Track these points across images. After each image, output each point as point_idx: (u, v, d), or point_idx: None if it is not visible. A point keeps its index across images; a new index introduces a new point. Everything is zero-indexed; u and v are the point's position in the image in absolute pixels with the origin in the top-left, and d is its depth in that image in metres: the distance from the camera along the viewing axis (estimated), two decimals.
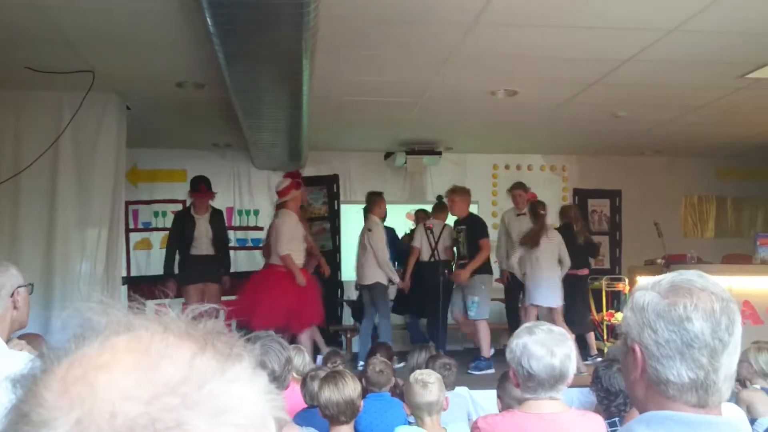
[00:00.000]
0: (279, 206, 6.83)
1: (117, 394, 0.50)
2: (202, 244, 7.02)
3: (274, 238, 6.57)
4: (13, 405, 0.53)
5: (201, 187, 7.12)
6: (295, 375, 3.88)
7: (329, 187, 9.27)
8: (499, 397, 3.32)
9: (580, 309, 7.30)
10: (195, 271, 6.93)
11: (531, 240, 6.79)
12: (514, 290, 7.36)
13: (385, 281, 7.25)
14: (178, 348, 0.54)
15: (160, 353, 0.53)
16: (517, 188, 7.45)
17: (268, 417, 0.56)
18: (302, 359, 4.22)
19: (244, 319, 6.37)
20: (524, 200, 7.35)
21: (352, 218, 8.64)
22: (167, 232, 8.82)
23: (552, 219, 7.53)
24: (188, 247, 6.99)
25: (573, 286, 7.11)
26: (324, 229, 9.21)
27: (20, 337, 3.60)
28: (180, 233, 7.06)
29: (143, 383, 0.51)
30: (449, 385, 4.32)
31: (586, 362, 6.73)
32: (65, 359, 0.54)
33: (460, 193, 7.12)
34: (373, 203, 7.41)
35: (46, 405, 0.50)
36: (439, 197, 7.98)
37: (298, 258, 6.58)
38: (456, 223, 7.29)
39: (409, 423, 3.88)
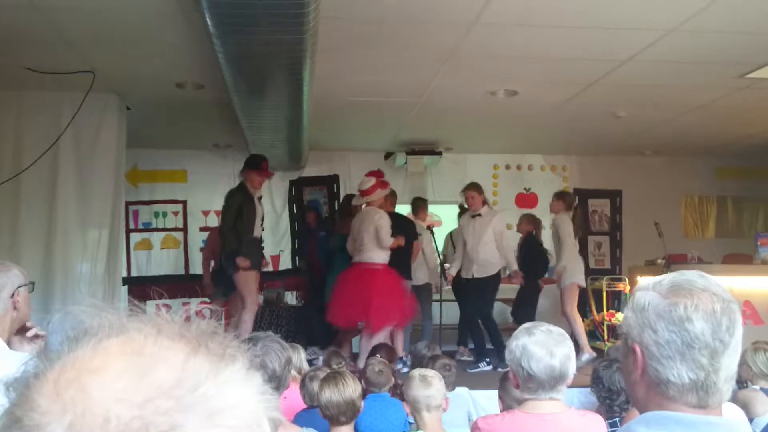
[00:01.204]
0: (357, 205, 6.86)
1: (110, 398, 0.49)
2: (257, 226, 6.60)
3: (372, 235, 6.46)
4: (6, 409, 0.52)
5: (264, 164, 6.63)
6: (295, 374, 3.88)
7: (329, 187, 9.28)
8: (500, 397, 3.31)
9: (530, 305, 7.67)
10: (256, 257, 6.50)
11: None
12: (466, 291, 7.19)
13: (431, 282, 7.68)
14: (171, 350, 0.53)
15: (153, 356, 0.53)
16: (470, 189, 7.25)
17: (262, 417, 0.55)
18: (298, 356, 4.21)
19: (336, 318, 6.49)
20: (478, 202, 7.16)
21: None
22: (167, 232, 8.90)
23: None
24: (248, 230, 6.49)
25: (529, 285, 7.50)
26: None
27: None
28: (239, 213, 6.42)
29: (136, 386, 0.50)
30: (449, 386, 4.31)
31: None
32: (58, 362, 0.53)
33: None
34: (419, 209, 7.89)
35: (39, 409, 0.50)
36: (460, 205, 8.14)
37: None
38: None
39: (410, 423, 3.88)
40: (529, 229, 8.02)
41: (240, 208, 6.44)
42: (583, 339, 6.93)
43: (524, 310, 7.59)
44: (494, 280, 7.04)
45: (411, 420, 3.96)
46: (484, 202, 7.18)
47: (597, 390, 3.84)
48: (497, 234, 6.98)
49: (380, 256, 6.50)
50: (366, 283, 6.37)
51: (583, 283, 7.31)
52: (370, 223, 6.47)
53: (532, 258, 7.68)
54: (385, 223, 6.50)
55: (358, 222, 6.66)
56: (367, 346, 6.29)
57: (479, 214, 7.12)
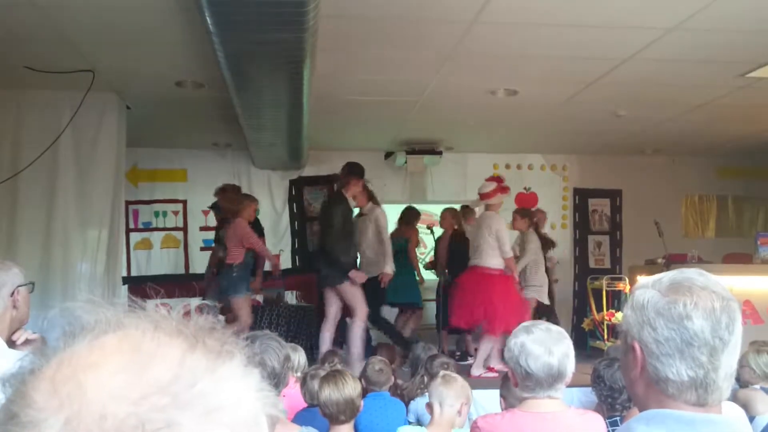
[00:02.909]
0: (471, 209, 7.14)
1: (106, 395, 0.49)
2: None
3: (491, 240, 6.50)
4: (3, 405, 0.52)
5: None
6: (297, 374, 3.88)
7: (329, 186, 9.26)
8: (502, 396, 3.31)
9: None
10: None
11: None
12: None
13: None
14: (168, 347, 0.53)
15: (150, 352, 0.52)
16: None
17: (260, 414, 0.55)
18: (298, 357, 4.22)
19: (458, 319, 6.59)
20: (360, 199, 7.06)
21: None
22: (167, 232, 8.88)
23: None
24: (356, 242, 6.70)
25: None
26: None
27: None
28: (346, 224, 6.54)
29: (132, 383, 0.50)
30: None
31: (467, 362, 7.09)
32: (54, 358, 0.53)
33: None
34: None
35: (35, 406, 0.50)
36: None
37: None
38: None
39: (409, 422, 3.88)
40: (453, 225, 7.88)
41: (346, 219, 6.52)
42: None
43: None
44: (377, 281, 6.80)
45: (411, 419, 3.96)
46: (370, 199, 7.07)
47: (598, 389, 3.84)
48: (382, 229, 6.92)
49: (497, 262, 6.54)
50: (485, 287, 6.41)
51: (546, 302, 7.44)
52: (489, 230, 6.52)
53: (461, 255, 7.30)
54: (504, 231, 6.62)
55: (477, 226, 6.76)
56: (486, 348, 6.47)
57: (363, 213, 7.15)
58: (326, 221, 6.56)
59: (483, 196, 6.74)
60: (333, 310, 6.52)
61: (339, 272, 6.38)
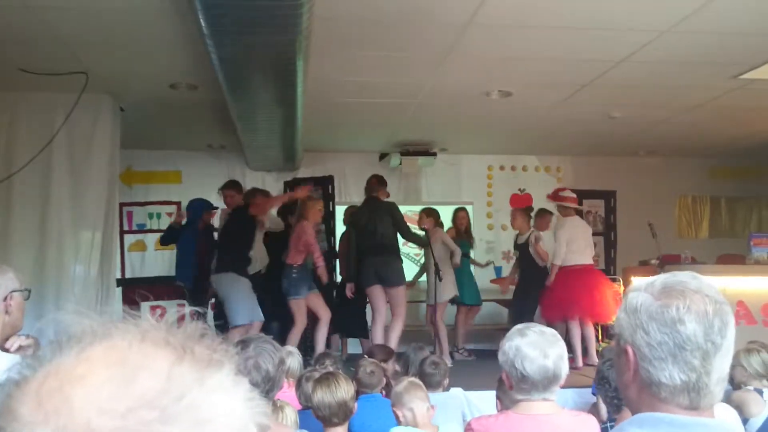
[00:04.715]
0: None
1: (92, 408, 0.49)
2: None
3: (584, 242, 7.07)
4: None
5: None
6: (290, 380, 3.88)
7: (324, 188, 9.23)
8: (498, 398, 3.31)
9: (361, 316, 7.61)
10: None
11: None
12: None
13: None
14: (155, 359, 0.52)
15: (137, 364, 0.52)
16: (225, 188, 7.08)
17: (249, 424, 0.55)
18: (295, 362, 4.21)
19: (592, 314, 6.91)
20: (236, 201, 6.89)
21: None
22: (161, 234, 8.84)
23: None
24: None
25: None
26: (319, 230, 9.18)
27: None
28: None
29: (119, 396, 0.49)
30: (439, 384, 4.30)
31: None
32: (41, 370, 0.52)
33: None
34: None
35: (21, 420, 0.49)
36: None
37: None
38: None
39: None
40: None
41: None
42: (447, 346, 7.36)
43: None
44: None
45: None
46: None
47: (603, 390, 3.81)
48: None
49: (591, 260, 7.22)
50: (601, 280, 7.09)
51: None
52: (587, 233, 7.19)
53: None
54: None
55: (575, 231, 7.08)
56: (593, 337, 6.93)
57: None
58: (394, 221, 6.96)
59: (564, 198, 7.21)
60: (384, 307, 6.86)
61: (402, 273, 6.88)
